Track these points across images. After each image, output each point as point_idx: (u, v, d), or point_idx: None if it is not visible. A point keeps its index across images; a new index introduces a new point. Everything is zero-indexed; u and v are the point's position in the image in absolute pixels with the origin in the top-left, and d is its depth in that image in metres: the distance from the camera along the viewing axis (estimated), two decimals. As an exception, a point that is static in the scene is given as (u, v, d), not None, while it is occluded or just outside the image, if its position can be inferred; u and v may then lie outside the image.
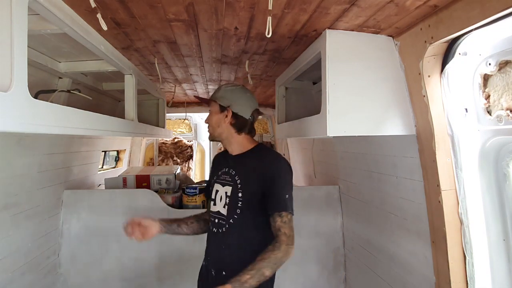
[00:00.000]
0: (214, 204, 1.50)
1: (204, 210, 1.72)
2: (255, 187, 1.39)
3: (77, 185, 2.75)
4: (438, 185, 1.32)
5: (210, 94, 3.22)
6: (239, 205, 1.41)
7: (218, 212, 1.47)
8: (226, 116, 1.46)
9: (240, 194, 1.41)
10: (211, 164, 1.72)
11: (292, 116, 2.18)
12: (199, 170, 5.86)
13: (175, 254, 2.61)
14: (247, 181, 1.42)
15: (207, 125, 1.56)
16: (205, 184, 1.86)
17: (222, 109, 1.47)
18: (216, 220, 1.47)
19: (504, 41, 1.08)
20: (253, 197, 1.39)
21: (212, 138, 1.58)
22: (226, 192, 1.46)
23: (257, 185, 1.39)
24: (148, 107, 2.95)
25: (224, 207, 1.45)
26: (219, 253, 1.46)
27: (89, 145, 2.92)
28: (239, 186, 1.43)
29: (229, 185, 1.46)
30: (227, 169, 1.51)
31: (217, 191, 1.51)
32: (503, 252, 1.26)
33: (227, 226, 1.43)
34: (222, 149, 1.67)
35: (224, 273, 1.41)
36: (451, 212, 1.31)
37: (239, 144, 1.50)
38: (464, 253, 1.30)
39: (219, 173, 1.53)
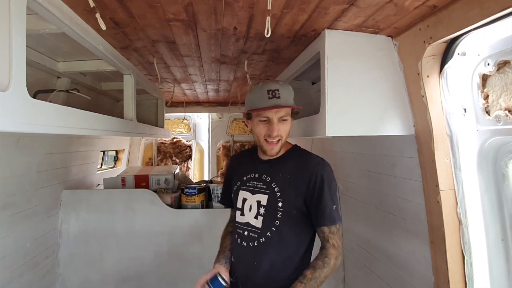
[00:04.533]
0: (242, 214, 1.35)
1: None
2: (297, 196, 1.26)
3: (76, 185, 2.75)
4: (437, 185, 1.33)
5: (210, 94, 3.22)
6: (278, 215, 1.26)
7: (248, 224, 1.32)
8: (292, 118, 1.33)
9: (280, 204, 1.26)
10: (229, 167, 1.57)
11: (291, 116, 2.18)
12: (198, 170, 5.85)
13: (174, 254, 2.61)
14: (288, 189, 1.27)
15: (279, 140, 1.28)
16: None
17: (290, 112, 1.30)
18: (246, 233, 1.32)
19: (503, 42, 1.08)
20: (295, 208, 1.26)
21: (277, 151, 1.31)
22: (259, 202, 1.30)
23: (300, 193, 1.26)
24: (147, 107, 2.95)
25: (256, 218, 1.29)
26: (250, 271, 1.30)
27: (88, 145, 2.92)
28: (278, 194, 1.27)
29: (263, 193, 1.30)
30: (257, 174, 1.35)
31: (244, 199, 1.35)
32: (501, 252, 1.26)
33: (262, 240, 1.27)
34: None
35: None
36: (450, 212, 1.32)
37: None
38: (462, 253, 1.30)
39: (244, 178, 1.38)
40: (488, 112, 1.19)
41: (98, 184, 3.29)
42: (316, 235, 1.30)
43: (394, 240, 1.81)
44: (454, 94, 1.26)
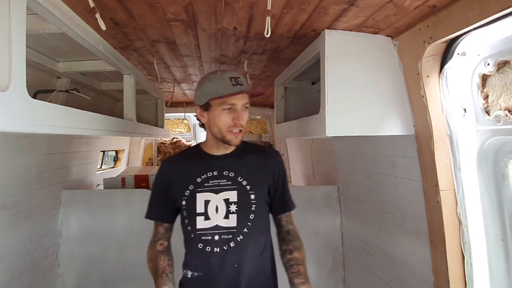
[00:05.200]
0: (207, 219, 1.23)
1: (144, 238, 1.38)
2: (264, 187, 1.29)
3: (75, 185, 2.75)
4: (437, 185, 1.33)
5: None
6: (252, 209, 1.24)
7: (217, 227, 1.22)
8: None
9: (253, 197, 1.25)
10: (163, 175, 1.33)
11: (291, 116, 2.19)
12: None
13: (174, 254, 2.61)
14: (256, 180, 1.28)
15: (240, 127, 1.22)
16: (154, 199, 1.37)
17: None
18: (217, 237, 1.21)
19: (503, 41, 1.08)
20: (263, 198, 1.29)
21: (241, 140, 1.27)
22: (227, 200, 1.24)
23: (266, 184, 1.30)
24: (147, 107, 2.96)
25: (226, 217, 1.23)
26: (234, 275, 1.22)
27: (88, 145, 2.92)
28: (249, 187, 1.25)
29: (230, 189, 1.25)
30: (215, 172, 1.26)
31: (207, 201, 1.24)
32: (501, 252, 1.26)
33: (239, 238, 1.22)
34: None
35: None
36: (449, 212, 1.32)
37: None
38: (462, 253, 1.30)
39: (199, 180, 1.26)
40: (488, 112, 1.19)
41: (98, 184, 3.29)
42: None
43: (394, 240, 1.81)
44: (454, 94, 1.26)
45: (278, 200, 1.33)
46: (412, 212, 1.58)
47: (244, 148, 1.32)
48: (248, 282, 1.23)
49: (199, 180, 1.26)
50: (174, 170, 1.32)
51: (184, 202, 1.26)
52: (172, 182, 1.29)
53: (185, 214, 1.26)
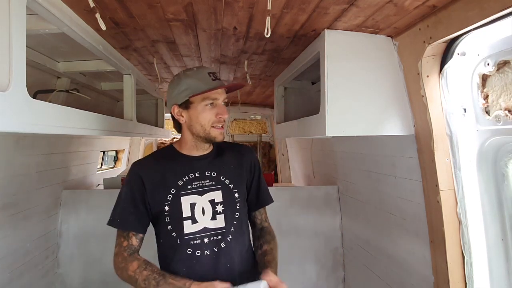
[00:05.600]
0: (195, 222, 1.18)
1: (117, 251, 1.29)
2: (243, 184, 1.29)
3: (75, 185, 2.75)
4: (437, 185, 1.33)
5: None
6: (237, 207, 1.24)
7: (205, 229, 1.18)
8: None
9: (236, 195, 1.24)
10: (135, 181, 1.20)
11: (291, 116, 2.19)
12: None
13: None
14: (237, 178, 1.27)
15: (223, 122, 1.22)
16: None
17: None
18: (206, 240, 1.18)
19: (503, 41, 1.08)
20: (245, 195, 1.29)
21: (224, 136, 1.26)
22: (212, 200, 1.20)
23: (245, 181, 1.30)
24: (147, 107, 2.95)
25: (214, 218, 1.19)
26: (224, 275, 1.15)
27: (88, 145, 2.92)
28: (232, 186, 1.24)
29: (214, 189, 1.21)
30: (197, 173, 1.22)
31: (192, 204, 1.18)
32: (501, 252, 1.26)
33: (229, 238, 1.20)
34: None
35: None
36: (449, 212, 1.32)
37: None
38: (462, 253, 1.31)
39: (181, 183, 1.19)
40: (488, 112, 1.19)
41: (98, 184, 3.29)
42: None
43: (394, 240, 1.81)
44: (454, 94, 1.26)
45: (254, 194, 1.33)
46: (412, 212, 1.58)
47: (220, 147, 1.30)
48: (241, 279, 1.16)
49: (180, 183, 1.19)
50: (148, 174, 1.20)
51: (167, 208, 1.17)
52: (147, 187, 1.18)
53: (167, 220, 1.18)
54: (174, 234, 1.18)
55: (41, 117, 0.94)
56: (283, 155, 4.30)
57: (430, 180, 1.38)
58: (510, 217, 1.23)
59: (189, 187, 1.19)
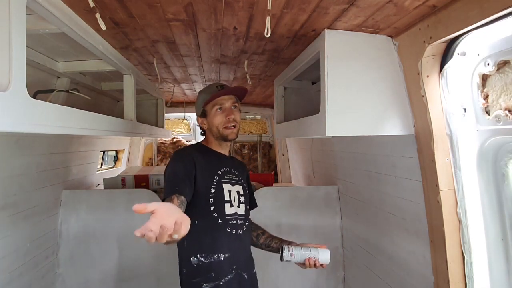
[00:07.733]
0: (232, 206, 1.43)
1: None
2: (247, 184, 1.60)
3: (75, 185, 2.75)
4: (437, 185, 1.33)
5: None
6: (248, 202, 1.54)
7: (236, 213, 1.44)
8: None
9: (247, 192, 1.55)
10: (189, 157, 1.40)
11: (291, 116, 2.18)
12: (197, 170, 5.85)
13: (174, 254, 2.60)
14: (245, 181, 1.57)
15: (235, 125, 1.47)
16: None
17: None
18: (235, 222, 1.43)
19: (503, 41, 1.08)
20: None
21: (236, 135, 1.50)
22: (238, 192, 1.47)
23: (247, 182, 1.61)
24: (147, 107, 2.95)
25: (239, 206, 1.46)
26: (243, 256, 1.47)
27: (88, 145, 2.92)
28: (245, 184, 1.54)
29: (238, 183, 1.50)
30: (227, 168, 1.49)
31: (229, 191, 1.44)
32: (501, 252, 1.26)
33: (247, 223, 1.49)
34: (233, 150, 1.75)
35: (254, 270, 1.52)
36: (449, 212, 1.32)
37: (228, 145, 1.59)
38: (462, 253, 1.30)
39: (220, 172, 1.45)
40: (488, 112, 1.19)
41: (98, 184, 3.29)
42: None
43: (394, 240, 1.81)
44: (454, 94, 1.26)
45: (250, 197, 1.63)
46: (412, 212, 1.58)
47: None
48: (252, 262, 1.53)
49: (220, 172, 1.45)
50: (198, 158, 1.41)
51: (213, 190, 1.40)
52: (197, 168, 1.38)
53: (212, 201, 1.38)
54: (215, 214, 1.38)
55: (41, 117, 0.94)
56: (283, 155, 4.30)
57: (430, 180, 1.38)
58: (510, 217, 1.23)
59: (226, 177, 1.46)
